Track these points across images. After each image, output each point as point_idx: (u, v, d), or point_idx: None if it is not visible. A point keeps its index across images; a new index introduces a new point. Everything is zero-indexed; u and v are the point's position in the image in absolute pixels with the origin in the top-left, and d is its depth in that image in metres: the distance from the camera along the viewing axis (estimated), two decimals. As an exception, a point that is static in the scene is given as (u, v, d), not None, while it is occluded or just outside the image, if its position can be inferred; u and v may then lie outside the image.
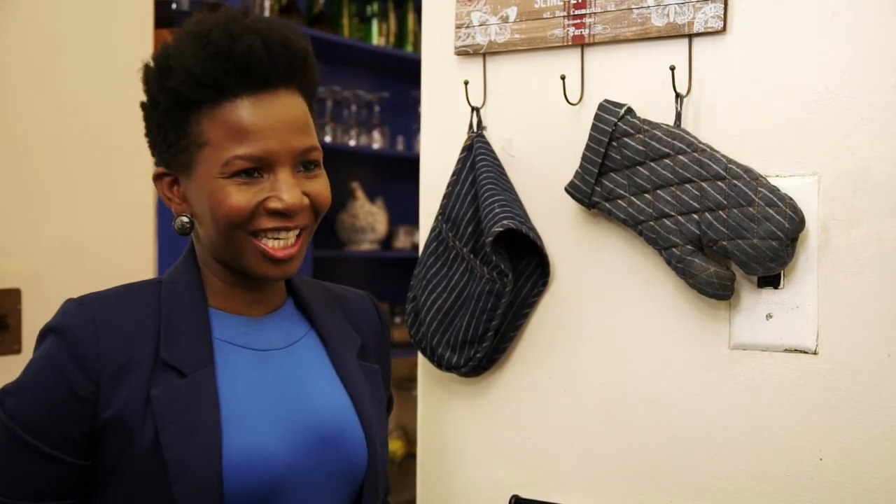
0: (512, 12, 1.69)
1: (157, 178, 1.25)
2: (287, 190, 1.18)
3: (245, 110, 1.17)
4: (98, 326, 1.17)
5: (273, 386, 1.24)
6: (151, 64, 1.23)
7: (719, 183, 1.47)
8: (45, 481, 1.16)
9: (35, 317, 2.13)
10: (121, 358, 1.16)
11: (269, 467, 1.18)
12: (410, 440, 4.23)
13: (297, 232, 1.21)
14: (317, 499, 1.23)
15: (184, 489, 1.13)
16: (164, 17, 2.74)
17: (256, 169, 1.18)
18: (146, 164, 2.34)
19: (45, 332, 1.19)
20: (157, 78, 1.20)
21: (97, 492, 1.20)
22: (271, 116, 1.18)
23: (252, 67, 1.17)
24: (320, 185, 1.23)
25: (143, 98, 1.24)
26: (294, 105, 1.21)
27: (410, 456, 4.09)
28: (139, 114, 1.27)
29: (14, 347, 2.12)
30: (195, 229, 1.25)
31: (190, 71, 1.17)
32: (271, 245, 1.20)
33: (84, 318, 1.17)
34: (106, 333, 1.17)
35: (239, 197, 1.17)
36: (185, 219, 1.23)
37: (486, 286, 1.64)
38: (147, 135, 1.26)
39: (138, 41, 2.36)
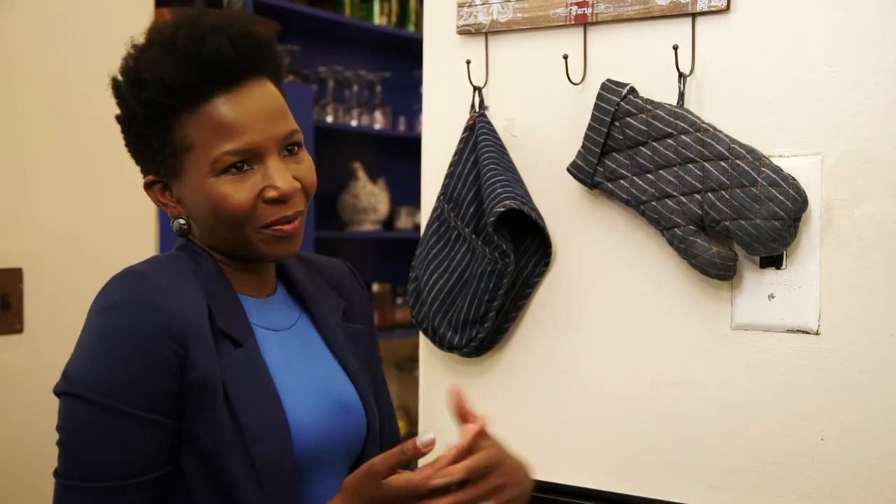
0: (514, -9, 1.68)
1: (148, 185, 1.27)
2: (280, 177, 1.21)
3: (224, 107, 1.20)
4: (169, 294, 1.18)
5: (295, 361, 1.29)
6: (120, 77, 1.24)
7: (722, 163, 1.46)
8: (140, 449, 1.16)
9: (36, 296, 2.13)
10: (196, 322, 1.18)
11: (308, 435, 1.24)
12: (412, 420, 4.24)
13: (296, 219, 1.25)
14: (338, 465, 1.29)
15: (261, 450, 1.18)
16: (164, -5, 2.73)
17: (245, 161, 1.21)
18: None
19: (116, 305, 1.17)
20: (131, 90, 1.22)
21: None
22: (250, 109, 1.21)
23: (223, 66, 1.19)
24: (306, 168, 1.26)
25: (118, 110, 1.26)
26: (268, 93, 1.24)
27: (412, 435, 4.09)
28: None
29: (16, 326, 2.12)
30: (192, 228, 1.28)
31: (163, 80, 1.19)
32: (278, 228, 1.23)
33: (154, 287, 1.18)
34: (179, 299, 1.18)
35: (238, 195, 1.20)
36: (182, 221, 1.27)
37: (488, 266, 1.64)
38: (128, 145, 1.28)
39: (139, 20, 2.34)
